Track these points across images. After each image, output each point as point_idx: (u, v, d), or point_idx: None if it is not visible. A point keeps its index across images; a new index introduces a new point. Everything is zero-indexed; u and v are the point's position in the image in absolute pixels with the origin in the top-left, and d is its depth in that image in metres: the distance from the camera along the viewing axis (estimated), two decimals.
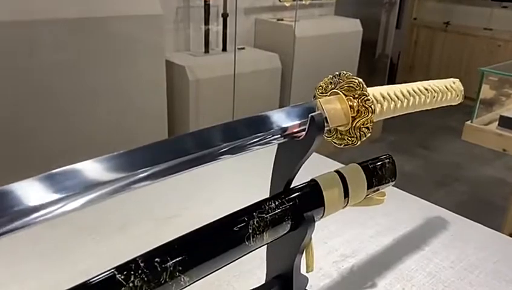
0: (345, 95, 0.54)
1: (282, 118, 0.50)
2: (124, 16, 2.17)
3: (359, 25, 3.30)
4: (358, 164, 0.63)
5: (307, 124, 0.49)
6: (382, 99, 0.58)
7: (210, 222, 0.45)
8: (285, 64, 2.95)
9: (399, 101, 0.60)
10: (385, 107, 0.58)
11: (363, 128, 0.53)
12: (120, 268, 0.39)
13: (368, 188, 0.62)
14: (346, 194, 0.58)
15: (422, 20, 4.51)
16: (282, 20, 3.07)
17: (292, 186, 0.54)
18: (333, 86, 0.56)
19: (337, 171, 0.59)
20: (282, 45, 2.98)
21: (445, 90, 0.70)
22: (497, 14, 4.18)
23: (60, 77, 2.02)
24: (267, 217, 0.48)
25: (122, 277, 0.38)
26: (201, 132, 0.45)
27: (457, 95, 0.73)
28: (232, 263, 0.46)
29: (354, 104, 0.54)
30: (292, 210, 0.51)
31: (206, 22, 2.76)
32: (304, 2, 3.13)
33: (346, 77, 0.55)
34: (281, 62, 2.92)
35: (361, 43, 3.36)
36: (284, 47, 2.96)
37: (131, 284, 0.38)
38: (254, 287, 0.57)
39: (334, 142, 0.57)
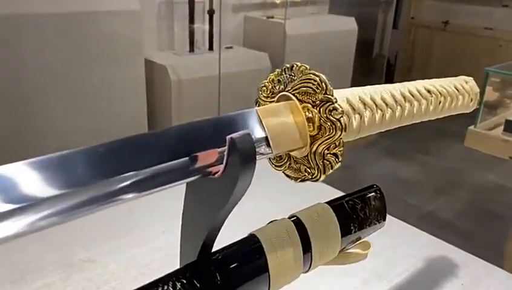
0: (301, 101, 0.33)
1: (194, 139, 0.29)
2: (99, 11, 1.98)
3: (354, 23, 3.09)
4: (329, 202, 0.41)
5: (225, 152, 0.28)
6: (360, 107, 0.37)
7: None
8: (275, 64, 2.74)
9: (389, 110, 0.39)
10: (366, 119, 0.37)
11: (328, 156, 0.32)
12: None
13: (343, 237, 0.41)
14: (307, 250, 0.37)
15: (420, 20, 4.29)
16: (272, 17, 2.86)
17: (214, 249, 0.33)
18: (282, 87, 0.34)
19: (293, 217, 0.38)
20: (272, 44, 2.77)
21: (455, 93, 0.48)
22: (498, 13, 3.98)
23: (29, 75, 1.83)
24: None
25: None
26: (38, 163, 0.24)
27: (471, 100, 0.51)
28: None
29: (315, 115, 0.32)
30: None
31: (191, 19, 2.55)
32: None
33: (301, 72, 0.33)
34: (271, 62, 2.71)
35: (357, 42, 3.15)
36: (275, 46, 2.75)
37: None
38: None
39: (288, 175, 0.35)
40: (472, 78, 0.53)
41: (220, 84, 2.41)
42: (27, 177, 0.23)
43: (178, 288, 0.29)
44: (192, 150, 0.28)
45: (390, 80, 3.96)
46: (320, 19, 3.14)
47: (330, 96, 0.31)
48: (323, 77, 0.32)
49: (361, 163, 2.89)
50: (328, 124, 0.32)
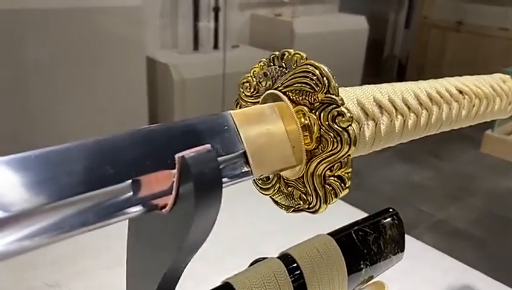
0: (294, 103, 0.24)
1: (142, 154, 0.20)
2: (99, 6, 1.91)
3: (365, 22, 2.99)
4: (333, 233, 0.32)
5: (175, 177, 0.19)
6: (375, 111, 0.27)
7: None
8: None
9: (412, 115, 0.30)
10: (382, 128, 0.28)
11: (331, 179, 0.23)
12: None
13: (350, 278, 0.31)
14: None
15: (433, 19, 4.18)
16: (280, 15, 2.77)
17: None
18: (269, 83, 0.25)
19: (284, 256, 0.29)
20: (279, 43, 2.68)
21: (492, 94, 0.39)
22: None
23: (27, 71, 1.76)
24: None
25: None
26: None
27: (510, 103, 0.42)
28: None
29: (313, 122, 0.23)
30: None
31: (196, 17, 2.47)
32: None
33: (295, 62, 0.24)
34: None
35: (368, 42, 3.05)
36: (282, 45, 2.65)
37: None
38: None
39: (276, 202, 0.26)
40: (510, 77, 0.44)
41: (225, 84, 2.33)
42: None
43: None
44: (136, 172, 0.19)
45: (401, 80, 3.86)
46: (329, 18, 3.04)
47: (334, 97, 0.22)
48: (325, 68, 0.23)
49: (370, 167, 2.79)
50: (332, 134, 0.22)
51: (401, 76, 3.88)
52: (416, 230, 2.30)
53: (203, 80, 2.31)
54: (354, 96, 0.27)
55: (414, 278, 0.58)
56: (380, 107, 0.28)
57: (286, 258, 0.29)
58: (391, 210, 0.37)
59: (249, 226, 0.54)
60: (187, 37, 2.51)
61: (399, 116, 0.29)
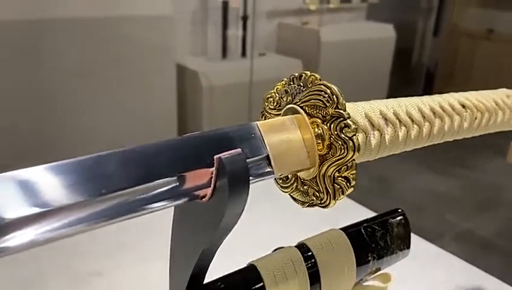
0: (310, 115, 0.29)
1: (185, 156, 0.25)
2: (131, 15, 2.00)
3: (392, 30, 3.00)
4: (344, 228, 0.37)
5: (214, 174, 0.24)
6: (381, 123, 0.32)
7: None
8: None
9: (415, 127, 0.34)
10: (387, 137, 0.32)
11: (339, 179, 0.28)
12: None
13: (358, 269, 0.36)
14: (315, 281, 0.33)
15: (463, 27, 4.14)
16: (307, 24, 2.82)
17: (206, 281, 0.29)
18: (289, 98, 0.31)
19: (300, 246, 0.34)
20: (306, 51, 2.73)
21: (494, 108, 0.43)
22: None
23: (63, 78, 1.87)
24: None
25: None
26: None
27: None
28: None
29: (325, 132, 0.28)
30: None
31: (224, 25, 2.55)
32: (331, 6, 2.87)
33: (311, 82, 0.29)
34: (304, 69, 2.66)
35: (395, 50, 3.06)
36: (309, 53, 2.71)
37: None
38: None
39: (294, 199, 0.31)
40: None
41: (252, 91, 2.39)
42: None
43: None
44: (181, 169, 0.25)
45: (428, 90, 3.84)
46: (356, 26, 3.07)
47: (341, 112, 0.27)
48: (335, 88, 0.28)
49: (395, 176, 2.79)
50: (340, 142, 0.28)
51: (429, 84, 3.86)
52: (441, 239, 2.30)
53: (231, 86, 2.37)
54: (363, 110, 0.32)
55: (422, 278, 0.62)
56: (385, 119, 0.33)
57: (302, 247, 0.34)
58: (399, 210, 0.41)
59: (270, 226, 0.60)
60: (216, 44, 2.58)
61: (403, 128, 0.34)
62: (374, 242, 0.37)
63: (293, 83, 0.30)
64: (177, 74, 2.17)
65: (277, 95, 0.31)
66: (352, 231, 0.37)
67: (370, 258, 0.37)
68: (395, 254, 0.39)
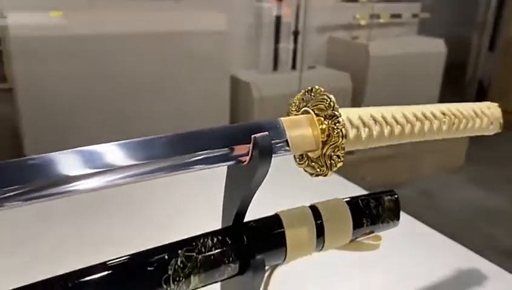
0: (317, 115, 0.45)
1: (235, 136, 0.42)
2: (189, 31, 2.21)
3: (443, 45, 3.06)
4: (347, 199, 0.52)
5: (250, 147, 0.40)
6: (370, 122, 0.47)
7: (120, 258, 0.38)
8: (357, 85, 2.81)
9: (388, 126, 0.49)
10: (374, 133, 0.47)
11: (334, 156, 0.43)
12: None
13: (355, 229, 0.51)
14: (320, 234, 0.48)
15: None
16: (357, 38, 2.94)
17: (246, 220, 0.45)
18: (304, 104, 0.46)
19: (312, 206, 0.49)
20: (355, 65, 2.85)
21: (471, 116, 0.56)
22: None
23: (129, 87, 2.09)
24: (198, 257, 0.40)
25: None
26: (129, 144, 0.38)
27: (491, 123, 0.59)
28: None
29: (325, 126, 0.44)
30: (236, 250, 0.42)
31: (276, 40, 2.72)
32: (381, 21, 2.98)
33: (318, 93, 0.45)
34: (353, 82, 2.79)
35: (447, 65, 3.11)
36: (357, 66, 2.83)
37: None
38: None
39: (306, 171, 0.47)
40: (496, 104, 0.61)
41: None
42: (115, 153, 0.37)
43: (215, 241, 0.42)
44: (233, 144, 0.41)
45: None
46: (406, 41, 3.15)
47: (336, 112, 0.43)
48: (333, 98, 0.43)
49: (444, 190, 2.83)
50: (334, 133, 0.43)
51: (481, 99, 3.83)
52: (483, 254, 2.32)
53: (280, 97, 2.53)
54: (358, 113, 0.47)
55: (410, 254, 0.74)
56: (374, 120, 0.48)
57: (313, 208, 0.49)
58: (392, 191, 0.55)
59: (289, 196, 0.74)
60: (268, 58, 2.77)
61: (388, 127, 0.49)
62: (368, 210, 0.52)
63: (308, 94, 0.46)
64: (230, 85, 2.36)
65: (297, 101, 0.47)
66: (351, 200, 0.51)
67: (364, 221, 0.51)
68: (386, 222, 0.53)
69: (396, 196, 0.55)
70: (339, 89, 2.72)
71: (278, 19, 2.70)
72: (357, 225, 0.51)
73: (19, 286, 0.35)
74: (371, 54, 2.76)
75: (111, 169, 0.36)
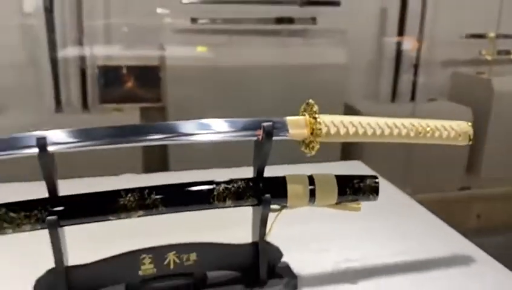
0: (311, 117, 0.77)
1: (259, 124, 0.77)
2: (311, 64, 2.57)
3: None
4: (338, 175, 0.83)
5: (262, 130, 0.75)
6: (348, 125, 0.78)
7: (189, 182, 0.76)
8: (479, 120, 2.87)
9: (371, 129, 0.79)
10: (350, 131, 0.78)
11: (314, 143, 0.76)
12: (125, 190, 0.73)
13: (340, 195, 0.81)
14: (312, 192, 0.79)
15: None
16: (482, 73, 3.01)
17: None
18: (305, 111, 0.80)
19: (309, 176, 0.81)
20: (478, 100, 2.91)
21: (438, 129, 0.82)
22: None
23: (254, 111, 2.50)
24: (230, 188, 0.76)
25: (124, 194, 0.72)
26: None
27: (459, 135, 0.84)
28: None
29: (313, 124, 0.76)
30: (254, 190, 0.77)
31: (396, 72, 2.94)
32: (511, 57, 3.00)
33: (312, 104, 0.78)
34: (474, 117, 2.85)
35: None
36: (480, 102, 2.89)
37: (127, 198, 0.72)
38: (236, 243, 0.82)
39: (303, 151, 0.80)
40: (468, 123, 0.85)
41: None
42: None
43: (243, 183, 0.77)
44: (255, 128, 0.76)
45: None
46: None
47: (316, 116, 0.75)
48: (316, 107, 0.76)
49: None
50: (316, 126, 0.75)
51: None
52: None
53: None
54: (341, 118, 0.78)
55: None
56: (351, 123, 0.78)
57: (310, 177, 0.81)
58: (375, 177, 0.84)
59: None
60: (387, 89, 3.00)
61: (362, 129, 0.79)
62: (351, 184, 0.81)
63: (307, 104, 0.79)
64: (344, 112, 2.65)
65: (302, 110, 0.80)
66: (340, 176, 0.82)
67: (347, 191, 0.81)
68: (366, 195, 0.82)
69: (377, 180, 0.83)
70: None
71: (399, 53, 2.92)
72: (341, 192, 0.81)
73: None
74: (495, 90, 2.81)
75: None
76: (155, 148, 2.35)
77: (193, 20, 2.42)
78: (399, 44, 2.91)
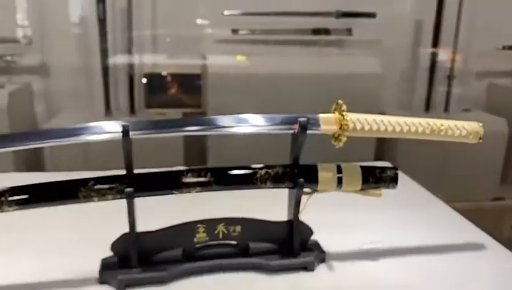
0: (341, 115, 0.94)
1: (295, 119, 0.93)
2: (347, 73, 2.70)
3: None
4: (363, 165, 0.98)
5: (298, 125, 0.92)
6: (371, 122, 0.94)
7: (236, 166, 0.93)
8: None
9: (390, 126, 0.94)
10: (373, 128, 0.94)
11: (343, 133, 0.92)
12: (186, 170, 0.91)
13: (364, 183, 0.96)
14: (340, 181, 0.95)
15: None
16: None
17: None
18: (335, 109, 0.96)
19: (338, 165, 0.97)
20: None
21: (451, 128, 0.97)
22: None
23: None
24: (270, 172, 0.93)
25: (186, 173, 0.90)
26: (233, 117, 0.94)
27: (470, 134, 0.98)
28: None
29: (342, 121, 0.92)
30: (290, 174, 0.94)
31: (430, 82, 3.04)
32: None
33: (341, 104, 0.94)
34: (510, 129, 2.91)
35: None
36: None
37: (188, 176, 0.90)
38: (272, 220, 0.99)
39: (332, 143, 0.96)
40: (479, 124, 0.99)
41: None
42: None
43: (281, 168, 0.94)
44: (291, 123, 0.93)
45: None
46: None
47: (344, 114, 0.91)
48: (344, 107, 0.92)
49: None
50: (344, 123, 0.91)
51: None
52: None
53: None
54: (365, 116, 0.94)
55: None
56: (374, 120, 0.94)
57: (338, 166, 0.97)
58: (395, 168, 0.99)
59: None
60: (421, 99, 3.10)
61: (383, 126, 0.94)
62: (373, 173, 0.97)
63: (337, 104, 0.95)
64: None
65: (333, 109, 0.96)
66: (363, 166, 0.97)
67: (370, 179, 0.97)
68: (386, 183, 0.98)
69: (396, 171, 0.98)
70: (493, 133, 2.88)
71: (434, 63, 3.02)
72: (365, 180, 0.97)
73: None
74: None
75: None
76: (195, 146, 2.54)
77: (234, 31, 2.62)
78: (433, 54, 3.01)
